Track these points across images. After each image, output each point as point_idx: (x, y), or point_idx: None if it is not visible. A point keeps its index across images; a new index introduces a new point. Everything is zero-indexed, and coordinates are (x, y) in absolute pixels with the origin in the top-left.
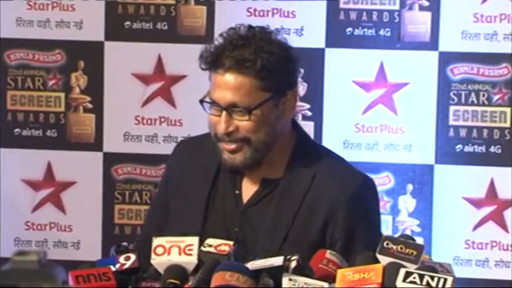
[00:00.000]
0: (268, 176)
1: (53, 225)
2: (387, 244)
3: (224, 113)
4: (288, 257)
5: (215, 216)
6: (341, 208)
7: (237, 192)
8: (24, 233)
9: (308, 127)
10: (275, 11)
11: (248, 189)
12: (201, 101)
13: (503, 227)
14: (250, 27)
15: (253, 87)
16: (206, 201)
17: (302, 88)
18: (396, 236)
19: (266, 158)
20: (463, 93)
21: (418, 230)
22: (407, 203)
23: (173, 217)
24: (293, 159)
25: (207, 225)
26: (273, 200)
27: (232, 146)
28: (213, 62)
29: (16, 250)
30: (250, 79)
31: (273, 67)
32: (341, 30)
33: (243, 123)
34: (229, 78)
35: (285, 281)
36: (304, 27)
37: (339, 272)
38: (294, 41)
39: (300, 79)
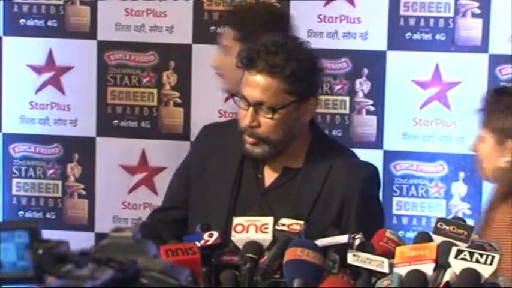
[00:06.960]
0: (289, 165)
1: (146, 205)
2: (441, 225)
3: (251, 108)
4: (353, 235)
5: (240, 197)
6: (355, 194)
7: (259, 176)
8: (122, 212)
9: (371, 121)
10: (342, 17)
11: (270, 174)
12: (233, 95)
13: None
14: (284, 36)
15: (280, 90)
16: (233, 183)
17: (366, 86)
18: (449, 217)
19: (286, 149)
20: None
21: (469, 212)
22: (459, 188)
23: (199, 199)
24: (311, 152)
25: (235, 206)
26: (294, 186)
27: (252, 140)
28: (247, 62)
29: (113, 227)
30: (278, 82)
31: (300, 74)
32: (401, 34)
33: (266, 120)
34: (260, 79)
35: (350, 256)
36: (368, 32)
37: (398, 249)
38: (360, 44)
39: (364, 78)
